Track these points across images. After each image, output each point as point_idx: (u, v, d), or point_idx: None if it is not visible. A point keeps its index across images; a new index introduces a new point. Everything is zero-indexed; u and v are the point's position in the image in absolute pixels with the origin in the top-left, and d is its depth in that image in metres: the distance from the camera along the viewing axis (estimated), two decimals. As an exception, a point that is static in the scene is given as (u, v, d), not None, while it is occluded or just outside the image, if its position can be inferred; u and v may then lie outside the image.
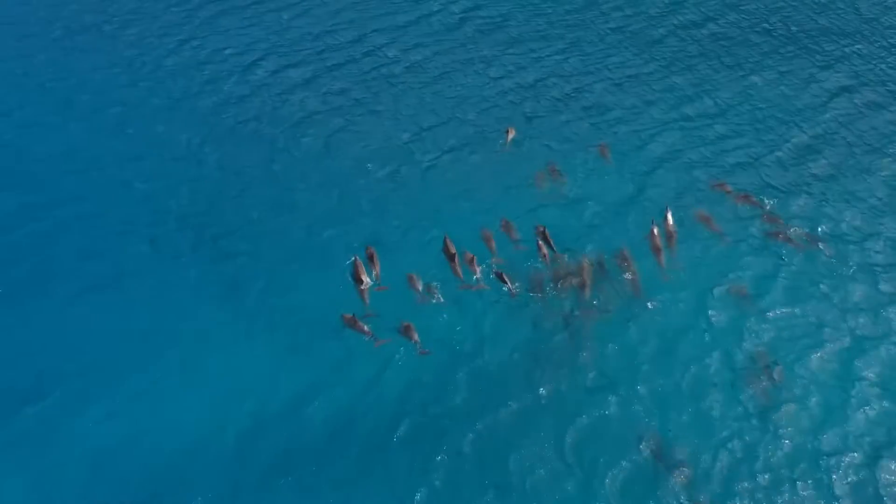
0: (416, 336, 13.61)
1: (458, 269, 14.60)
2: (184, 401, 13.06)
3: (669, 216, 15.38)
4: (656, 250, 14.92)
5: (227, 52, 20.80)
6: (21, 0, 23.10)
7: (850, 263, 14.87)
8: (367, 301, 14.25)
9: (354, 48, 20.86)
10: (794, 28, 21.10)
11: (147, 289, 14.75)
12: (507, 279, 14.41)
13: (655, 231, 15.14)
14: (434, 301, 14.25)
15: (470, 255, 14.75)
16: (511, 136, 17.62)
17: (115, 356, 13.62)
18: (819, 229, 15.52)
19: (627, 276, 14.60)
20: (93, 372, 13.37)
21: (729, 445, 12.28)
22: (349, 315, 13.84)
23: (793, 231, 15.42)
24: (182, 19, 22.07)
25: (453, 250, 14.81)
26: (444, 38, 21.06)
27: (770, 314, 14.02)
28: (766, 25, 21.32)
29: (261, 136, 18.15)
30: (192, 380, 13.33)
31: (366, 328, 13.71)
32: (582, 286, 14.47)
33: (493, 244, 15.12)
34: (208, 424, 12.79)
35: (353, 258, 14.67)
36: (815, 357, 13.38)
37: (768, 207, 15.90)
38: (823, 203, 16.11)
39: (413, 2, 22.46)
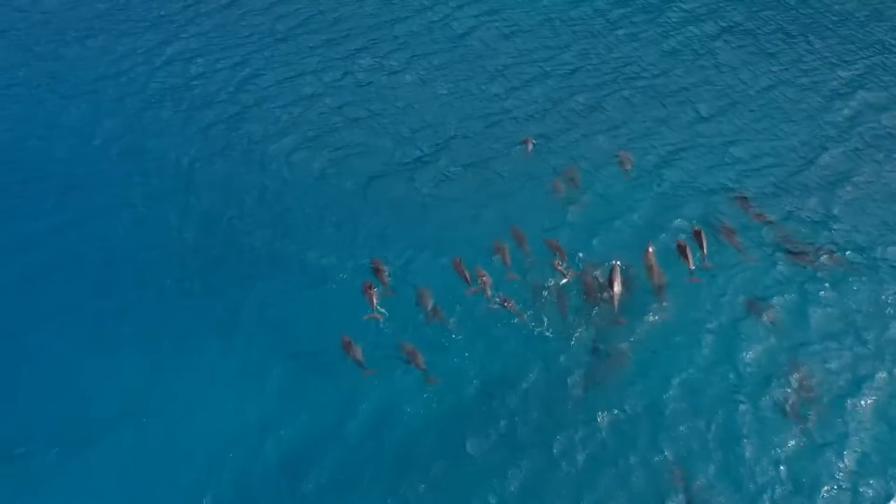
0: (421, 362, 12.69)
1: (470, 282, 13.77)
2: (175, 449, 12.18)
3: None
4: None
5: (219, 65, 19.77)
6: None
7: (886, 289, 13.84)
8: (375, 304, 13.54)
9: (353, 61, 19.80)
10: (814, 38, 20.12)
11: (133, 325, 13.79)
12: (511, 306, 13.50)
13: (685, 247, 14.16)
14: (441, 323, 13.33)
15: (486, 277, 13.81)
16: (531, 146, 16.73)
17: (97, 405, 12.70)
18: (847, 252, 14.43)
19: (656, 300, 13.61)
20: (74, 424, 12.46)
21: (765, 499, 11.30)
22: (347, 338, 12.95)
23: (821, 254, 14.43)
24: (169, 35, 20.92)
25: (464, 271, 13.91)
26: (445, 49, 20.04)
27: (804, 345, 13.03)
28: (784, 34, 20.35)
29: (254, 156, 17.14)
30: (181, 427, 12.42)
31: (360, 357, 12.77)
32: (611, 300, 13.48)
33: (508, 257, 14.17)
34: (202, 472, 11.94)
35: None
36: (856, 397, 12.37)
37: (786, 229, 14.87)
38: (852, 224, 15.02)
39: (413, 12, 21.45)
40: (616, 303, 13.43)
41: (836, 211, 15.34)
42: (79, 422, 12.52)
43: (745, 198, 15.51)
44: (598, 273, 13.99)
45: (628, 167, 16.24)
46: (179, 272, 14.67)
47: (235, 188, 16.36)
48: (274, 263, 14.79)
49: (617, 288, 13.56)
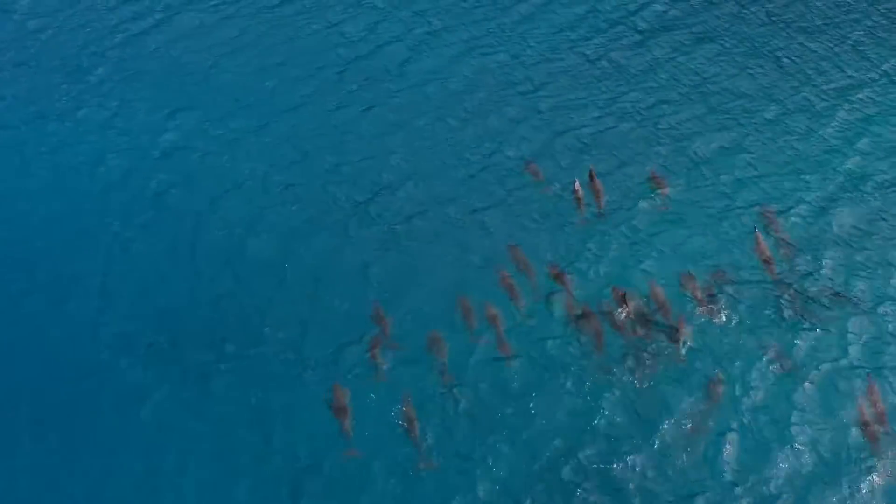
0: (416, 431, 11.51)
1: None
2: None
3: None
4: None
5: (142, 110, 17.89)
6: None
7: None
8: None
9: (328, 91, 18.17)
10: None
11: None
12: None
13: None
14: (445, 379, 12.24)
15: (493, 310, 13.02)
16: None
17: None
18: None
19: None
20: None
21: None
22: (345, 407, 11.75)
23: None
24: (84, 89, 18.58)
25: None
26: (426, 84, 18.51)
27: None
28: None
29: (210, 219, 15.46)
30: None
31: (348, 426, 11.55)
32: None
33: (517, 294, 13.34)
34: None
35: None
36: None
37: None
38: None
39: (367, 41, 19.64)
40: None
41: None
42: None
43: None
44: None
45: (664, 187, 15.27)
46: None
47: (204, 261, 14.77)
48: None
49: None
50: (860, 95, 17.33)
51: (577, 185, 15.01)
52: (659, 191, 15.30)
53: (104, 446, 12.09)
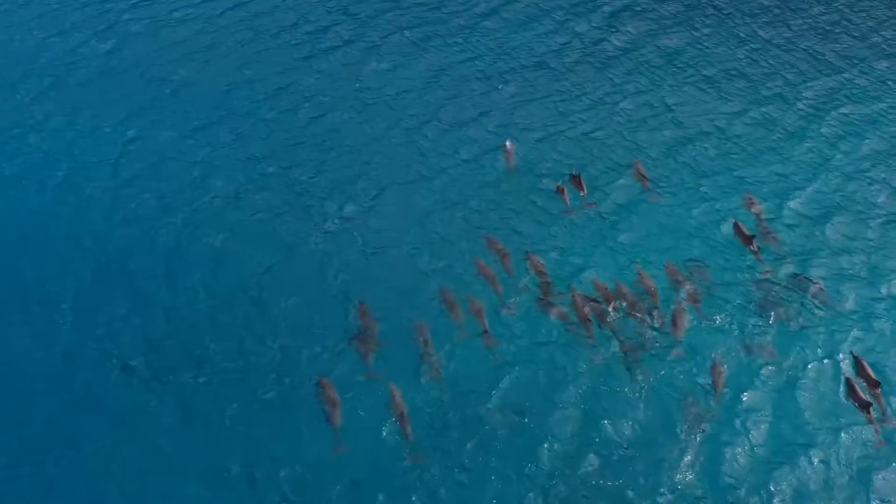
0: (408, 427, 11.29)
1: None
2: None
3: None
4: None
5: (101, 120, 17.16)
6: None
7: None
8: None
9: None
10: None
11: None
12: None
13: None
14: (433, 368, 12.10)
15: (478, 304, 12.92)
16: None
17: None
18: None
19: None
20: None
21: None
22: (334, 396, 11.55)
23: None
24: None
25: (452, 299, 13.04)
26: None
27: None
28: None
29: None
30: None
31: (337, 423, 11.32)
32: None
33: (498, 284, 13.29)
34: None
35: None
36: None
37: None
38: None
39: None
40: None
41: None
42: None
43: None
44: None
45: (646, 180, 15.39)
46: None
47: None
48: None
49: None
50: (835, 85, 17.89)
51: (561, 184, 15.25)
52: (641, 183, 15.43)
53: (83, 474, 11.52)
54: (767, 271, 13.67)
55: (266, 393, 12.22)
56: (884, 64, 18.58)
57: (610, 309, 12.96)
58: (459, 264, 14.00)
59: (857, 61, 18.69)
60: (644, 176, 15.45)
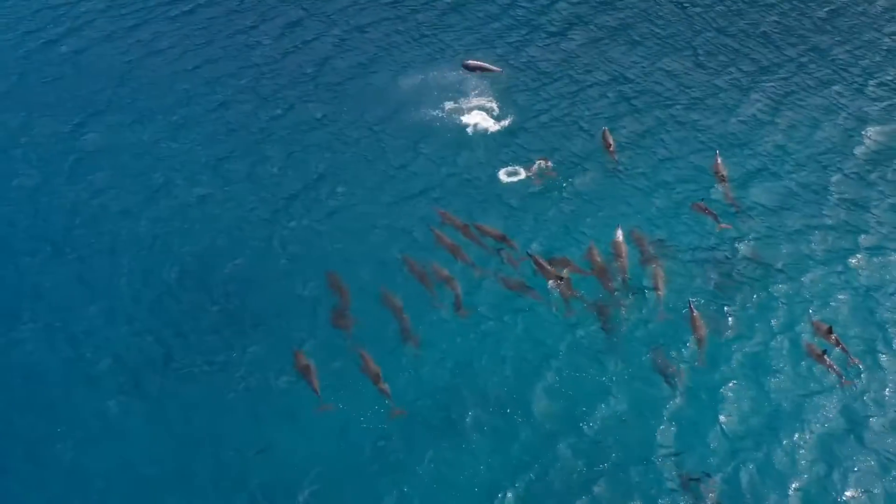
0: (385, 385, 11.65)
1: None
2: None
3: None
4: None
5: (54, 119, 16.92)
6: None
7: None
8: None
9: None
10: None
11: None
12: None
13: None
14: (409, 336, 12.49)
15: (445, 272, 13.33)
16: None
17: None
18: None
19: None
20: None
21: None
22: (305, 360, 11.99)
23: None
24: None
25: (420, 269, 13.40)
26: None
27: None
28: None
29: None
30: None
31: (316, 384, 11.73)
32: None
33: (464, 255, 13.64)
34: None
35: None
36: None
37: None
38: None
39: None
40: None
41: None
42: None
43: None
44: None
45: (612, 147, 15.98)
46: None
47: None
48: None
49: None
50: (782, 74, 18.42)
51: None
52: (609, 152, 15.97)
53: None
54: (723, 226, 14.28)
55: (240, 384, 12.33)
56: (837, 51, 19.10)
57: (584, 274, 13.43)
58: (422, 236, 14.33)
59: (811, 51, 19.19)
60: (610, 144, 15.96)
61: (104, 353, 12.74)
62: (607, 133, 16.16)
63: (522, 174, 15.55)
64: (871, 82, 18.05)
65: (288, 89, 18.03)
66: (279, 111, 17.40)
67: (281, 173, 15.88)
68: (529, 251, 13.67)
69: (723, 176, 15.22)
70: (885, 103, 17.55)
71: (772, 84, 18.09)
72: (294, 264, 14.10)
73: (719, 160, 15.47)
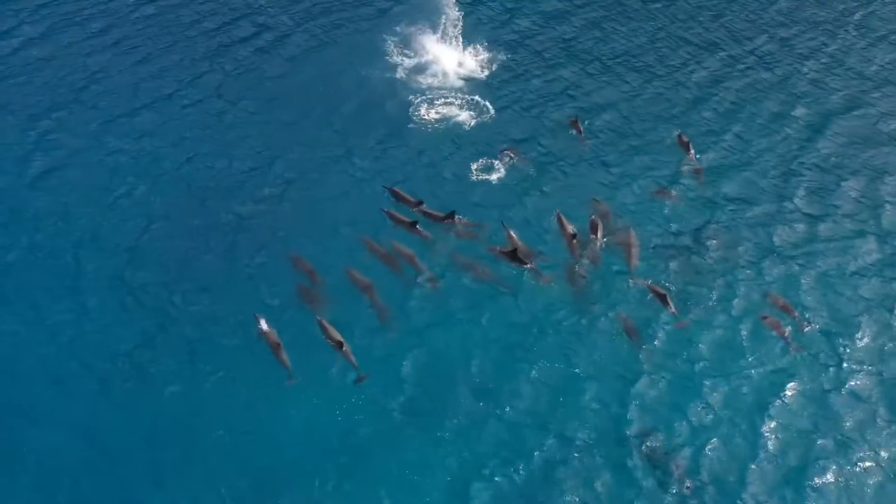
0: (347, 348, 11.79)
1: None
2: None
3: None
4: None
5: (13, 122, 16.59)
6: None
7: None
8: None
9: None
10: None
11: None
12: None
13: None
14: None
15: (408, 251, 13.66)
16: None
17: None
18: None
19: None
20: None
21: None
22: (276, 340, 12.02)
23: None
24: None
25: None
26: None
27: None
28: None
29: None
30: None
31: (287, 361, 11.85)
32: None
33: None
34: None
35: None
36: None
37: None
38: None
39: None
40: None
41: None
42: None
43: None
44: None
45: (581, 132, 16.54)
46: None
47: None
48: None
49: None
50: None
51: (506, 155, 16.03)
52: (575, 131, 16.51)
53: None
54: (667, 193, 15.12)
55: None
56: (782, 33, 19.88)
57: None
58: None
59: (774, 42, 19.80)
60: (579, 129, 16.45)
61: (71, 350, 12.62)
62: (577, 121, 16.59)
63: (493, 164, 15.71)
64: (834, 72, 18.66)
65: (237, 83, 18.05)
66: (247, 112, 17.32)
67: (250, 170, 15.81)
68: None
69: (687, 145, 15.86)
70: (844, 93, 18.09)
71: (736, 74, 18.57)
72: (261, 257, 14.07)
73: (684, 137, 16.05)
